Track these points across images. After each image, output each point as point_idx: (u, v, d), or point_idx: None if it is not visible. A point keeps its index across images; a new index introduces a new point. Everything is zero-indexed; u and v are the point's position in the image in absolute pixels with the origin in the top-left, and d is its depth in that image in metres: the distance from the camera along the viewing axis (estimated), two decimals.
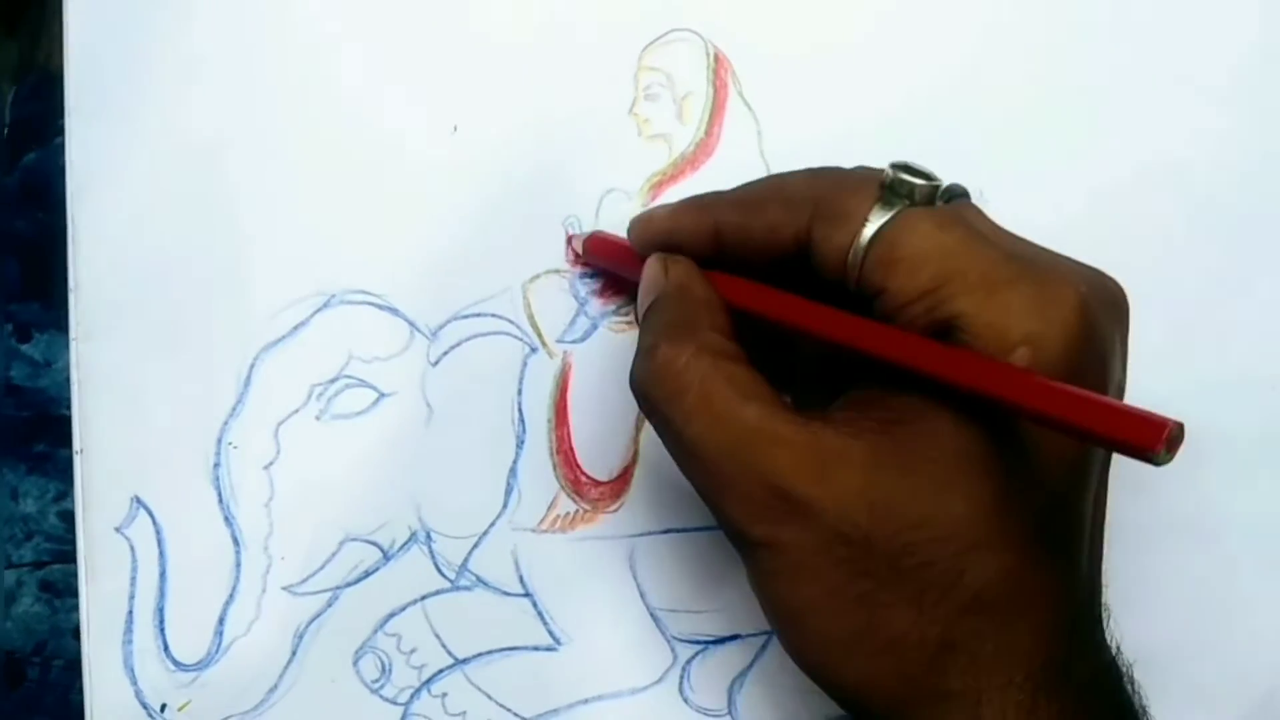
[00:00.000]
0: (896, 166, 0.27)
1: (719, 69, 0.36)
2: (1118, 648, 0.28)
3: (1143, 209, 0.37)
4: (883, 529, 0.25)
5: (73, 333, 0.36)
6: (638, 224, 0.32)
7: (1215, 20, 0.37)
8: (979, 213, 0.28)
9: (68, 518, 0.39)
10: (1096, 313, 0.26)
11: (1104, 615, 0.28)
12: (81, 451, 0.35)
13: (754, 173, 0.35)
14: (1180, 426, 0.21)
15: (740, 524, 0.27)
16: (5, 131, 0.43)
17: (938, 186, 0.27)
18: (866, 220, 0.27)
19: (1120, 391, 0.28)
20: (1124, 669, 0.28)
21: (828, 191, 0.28)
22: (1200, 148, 0.37)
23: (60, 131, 0.40)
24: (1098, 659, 0.27)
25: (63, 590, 0.39)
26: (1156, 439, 0.20)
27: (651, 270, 0.31)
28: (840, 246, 0.27)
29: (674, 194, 0.36)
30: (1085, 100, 0.37)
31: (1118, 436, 0.21)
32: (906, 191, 0.27)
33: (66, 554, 0.39)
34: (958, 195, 0.28)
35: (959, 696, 0.25)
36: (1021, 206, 0.31)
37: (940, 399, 0.25)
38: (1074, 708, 0.26)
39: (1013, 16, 0.37)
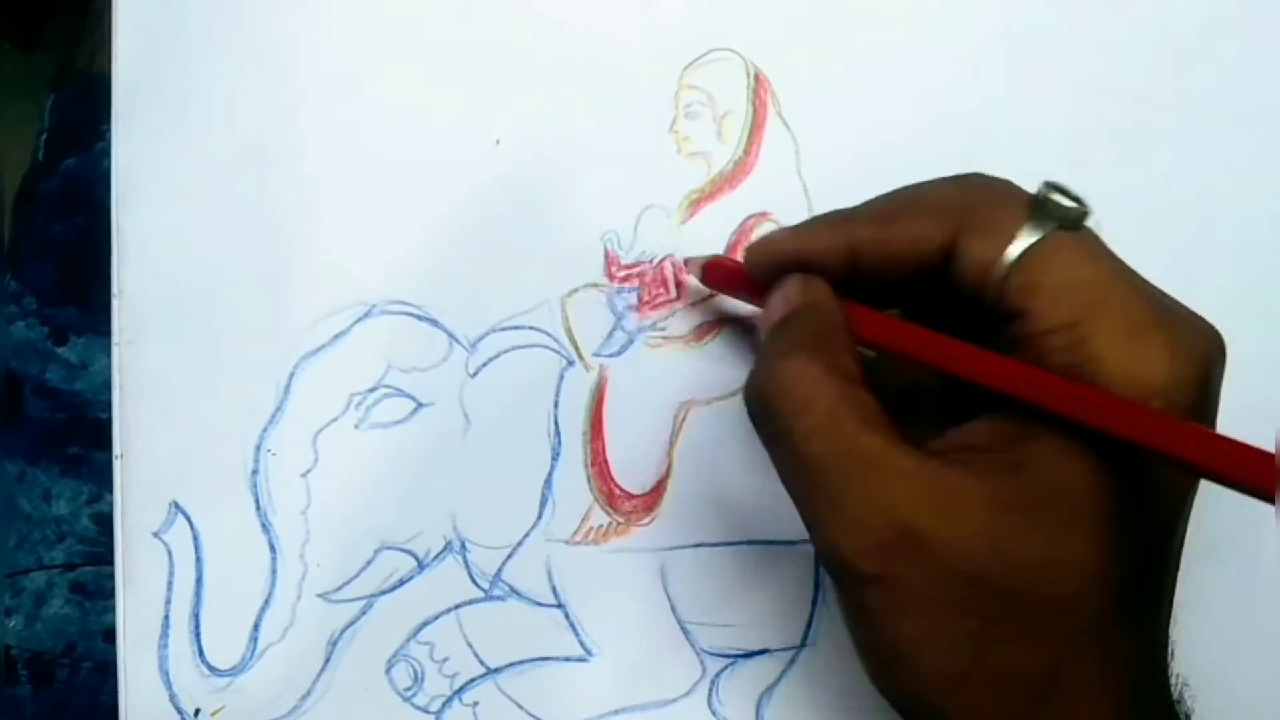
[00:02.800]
0: (1050, 185, 0.27)
1: (759, 89, 0.37)
2: (1183, 684, 0.29)
3: (1179, 224, 0.37)
4: (1000, 568, 0.25)
5: (115, 337, 0.36)
6: (758, 249, 0.31)
7: (1256, 44, 0.37)
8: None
9: (100, 520, 0.39)
10: (1213, 367, 0.26)
11: (1170, 650, 0.28)
12: (121, 456, 0.36)
13: (792, 192, 0.37)
14: None
15: (850, 555, 0.26)
16: (45, 136, 0.43)
17: (1087, 212, 0.27)
18: (1015, 236, 0.27)
19: None
20: (1188, 710, 0.28)
21: (978, 201, 0.28)
22: (1231, 170, 0.37)
23: (101, 137, 0.41)
24: (1168, 695, 0.28)
25: (94, 592, 0.39)
26: None
27: (790, 287, 0.30)
28: (986, 260, 0.27)
29: (712, 212, 0.37)
30: (1123, 119, 0.37)
31: (1259, 483, 0.22)
32: (1059, 213, 0.27)
33: (98, 556, 0.39)
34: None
35: None
36: None
37: (1069, 442, 0.25)
38: None
39: (1052, 40, 0.37)
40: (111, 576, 0.38)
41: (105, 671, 0.39)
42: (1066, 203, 0.27)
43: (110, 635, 0.38)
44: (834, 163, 0.37)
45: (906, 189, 0.30)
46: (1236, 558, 0.36)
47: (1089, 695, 0.25)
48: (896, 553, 0.25)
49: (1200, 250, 0.37)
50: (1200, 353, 0.26)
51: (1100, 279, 0.26)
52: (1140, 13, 0.38)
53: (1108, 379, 0.25)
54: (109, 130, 0.40)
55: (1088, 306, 0.26)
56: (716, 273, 0.34)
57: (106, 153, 0.40)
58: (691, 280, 0.36)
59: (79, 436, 0.40)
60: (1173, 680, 0.28)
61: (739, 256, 0.36)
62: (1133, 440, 0.24)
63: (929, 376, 0.31)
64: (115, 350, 0.36)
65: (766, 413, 0.27)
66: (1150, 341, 0.25)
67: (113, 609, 0.38)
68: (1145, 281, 0.27)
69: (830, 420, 0.26)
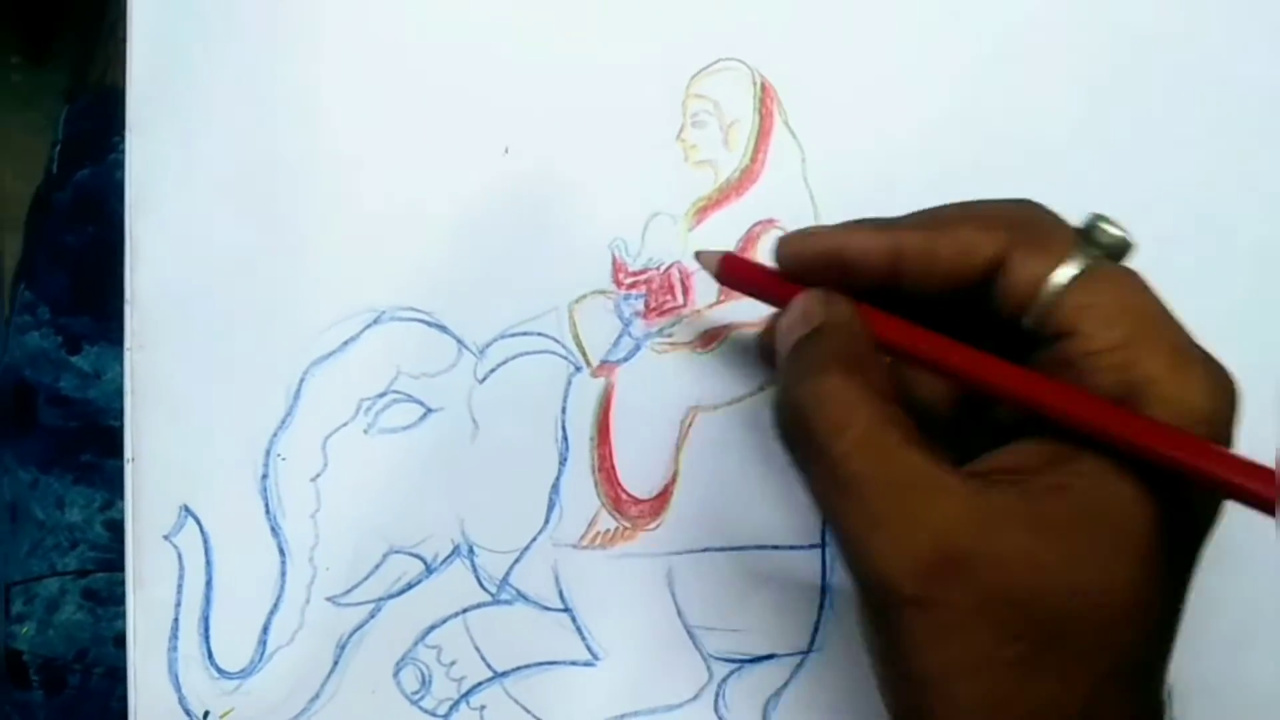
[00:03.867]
0: (1097, 216, 0.28)
1: (765, 98, 0.37)
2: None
3: (1184, 230, 0.37)
4: (1046, 593, 0.24)
5: (127, 343, 0.36)
6: (794, 240, 0.31)
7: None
8: None
9: (113, 527, 0.39)
10: (1236, 408, 0.26)
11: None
12: (133, 460, 0.36)
13: (798, 200, 0.37)
14: None
15: (891, 575, 0.25)
16: (58, 148, 0.44)
17: (1130, 246, 0.28)
18: (1068, 258, 0.27)
19: None
20: None
21: (1029, 218, 0.28)
22: (1241, 171, 0.38)
23: (114, 148, 0.41)
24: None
25: (105, 599, 0.40)
26: None
27: (812, 302, 0.29)
28: (1035, 277, 0.27)
29: (718, 219, 0.37)
30: (1130, 126, 0.38)
31: None
32: (1107, 242, 0.27)
33: (110, 563, 0.39)
34: None
35: None
36: None
37: (1112, 465, 0.25)
38: None
39: (1059, 47, 0.38)
40: (123, 583, 0.38)
41: (116, 677, 0.39)
42: (1115, 232, 0.27)
43: (121, 641, 0.39)
44: (840, 170, 0.37)
45: (953, 204, 0.29)
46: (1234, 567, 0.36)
47: None
48: (939, 574, 0.24)
49: (1208, 255, 0.37)
50: (1231, 388, 0.26)
51: (1150, 308, 0.27)
52: (1144, 15, 0.38)
53: (1156, 401, 0.25)
54: (122, 142, 0.41)
55: (1140, 331, 0.26)
56: (733, 267, 0.33)
57: (119, 164, 0.41)
58: (698, 287, 0.37)
59: (92, 444, 0.40)
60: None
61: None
62: (1180, 465, 0.24)
63: (938, 397, 0.31)
64: (127, 356, 0.36)
65: (802, 432, 0.27)
66: (1195, 371, 0.26)
67: (124, 615, 0.38)
68: (1180, 322, 0.27)
69: (870, 438, 0.26)
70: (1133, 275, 0.27)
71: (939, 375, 0.29)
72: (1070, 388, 0.26)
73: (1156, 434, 0.25)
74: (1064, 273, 0.27)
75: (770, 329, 0.34)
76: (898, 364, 0.29)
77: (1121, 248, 0.28)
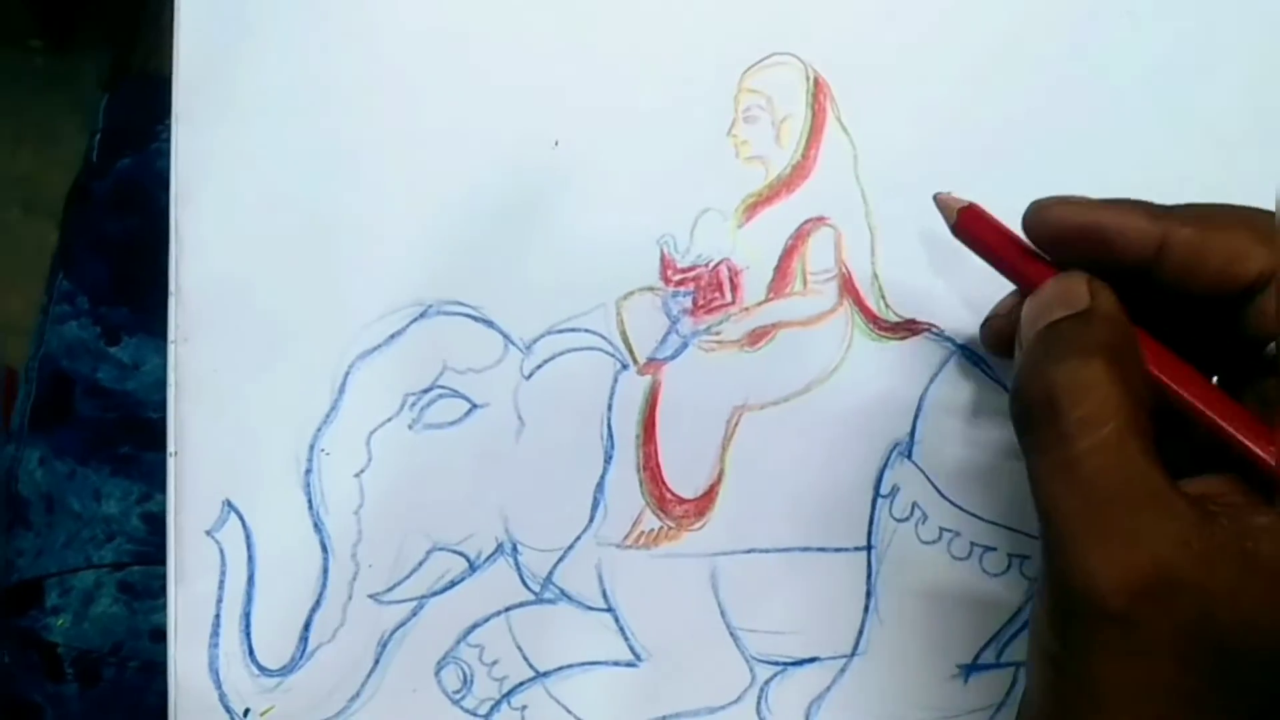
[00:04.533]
0: None
1: (818, 93, 0.37)
2: None
3: None
4: (1237, 630, 0.24)
5: (171, 335, 0.36)
6: (1054, 207, 0.29)
7: None
8: None
9: (150, 520, 0.39)
10: None
11: None
12: (175, 454, 0.36)
13: (850, 198, 0.36)
14: None
15: (1100, 585, 0.24)
16: (98, 137, 0.43)
17: None
18: None
19: None
20: None
21: None
22: None
23: (155, 137, 0.41)
24: None
25: (141, 592, 0.39)
26: None
27: (1074, 285, 0.28)
28: None
29: (769, 216, 0.37)
30: (1194, 122, 0.37)
31: None
32: None
33: (147, 555, 0.39)
34: None
35: None
36: None
37: None
38: None
39: (1120, 47, 0.37)
40: (160, 576, 0.38)
41: (152, 671, 0.39)
42: None
43: (157, 635, 0.39)
44: (893, 167, 0.36)
45: (1236, 205, 0.28)
46: None
47: None
48: (1150, 596, 0.24)
49: None
50: None
51: None
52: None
53: None
54: (164, 131, 0.41)
55: None
56: (972, 222, 0.31)
57: (161, 153, 0.41)
58: (747, 285, 0.36)
59: (130, 436, 0.40)
60: None
61: (794, 263, 0.36)
62: None
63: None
64: (171, 348, 0.36)
65: (1046, 415, 0.26)
66: None
67: (160, 609, 0.38)
68: None
69: (1121, 439, 0.25)
70: None
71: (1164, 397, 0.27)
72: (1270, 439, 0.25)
73: None
74: None
75: (1003, 313, 0.33)
76: None
77: None
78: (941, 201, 0.32)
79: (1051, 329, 0.27)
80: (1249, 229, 0.27)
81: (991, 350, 0.34)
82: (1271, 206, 0.27)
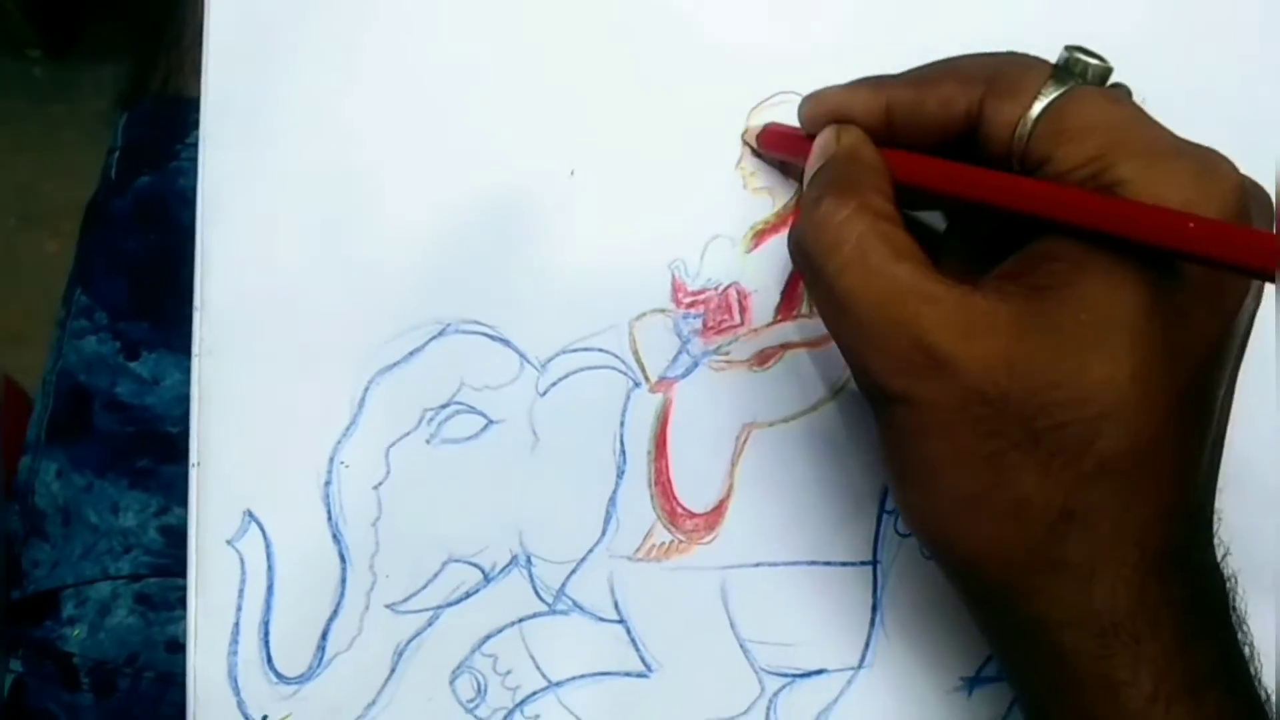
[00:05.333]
0: (1071, 48, 0.28)
1: None
2: (1226, 551, 0.29)
3: None
4: (1021, 389, 0.25)
5: (195, 349, 0.37)
6: (809, 102, 0.33)
7: None
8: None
9: (167, 532, 0.40)
10: (1251, 200, 0.26)
11: (1215, 517, 0.29)
12: (198, 465, 0.36)
13: None
14: None
15: (881, 377, 0.27)
16: (116, 155, 0.44)
17: (1110, 70, 0.28)
18: (1038, 95, 0.28)
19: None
20: (1229, 574, 0.28)
21: (1002, 67, 0.29)
22: None
23: (175, 156, 0.42)
24: (1206, 556, 0.28)
25: (158, 603, 0.40)
26: None
27: (824, 136, 0.32)
28: (1010, 120, 0.28)
29: (775, 243, 0.38)
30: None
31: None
32: (1080, 70, 0.28)
33: (164, 568, 0.40)
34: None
35: (1073, 568, 0.26)
36: None
37: (1091, 258, 0.25)
38: (1180, 597, 0.26)
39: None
40: (176, 588, 0.39)
41: (167, 682, 0.39)
42: (1090, 61, 0.28)
43: (173, 646, 0.39)
44: None
45: (943, 59, 0.31)
46: None
47: (1108, 536, 0.26)
48: (922, 374, 0.26)
49: None
50: (1231, 180, 0.26)
51: (1121, 118, 0.27)
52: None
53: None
54: (184, 150, 0.42)
55: (1110, 143, 0.26)
56: (772, 139, 0.36)
57: (181, 171, 0.42)
58: (755, 307, 0.38)
59: (148, 450, 0.41)
60: (1216, 544, 0.28)
61: (800, 287, 0.38)
62: (1155, 243, 0.24)
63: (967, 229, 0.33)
64: (195, 361, 0.37)
65: (803, 257, 0.29)
66: (1173, 165, 0.26)
67: (176, 620, 0.39)
68: (1166, 128, 0.27)
69: (859, 254, 0.27)
70: (1108, 93, 0.28)
71: (930, 195, 0.30)
72: (1033, 182, 0.27)
73: (1127, 214, 0.25)
74: (1037, 107, 0.28)
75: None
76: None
77: (1102, 75, 0.28)
78: (748, 135, 0.37)
79: (806, 184, 0.32)
80: (952, 77, 0.30)
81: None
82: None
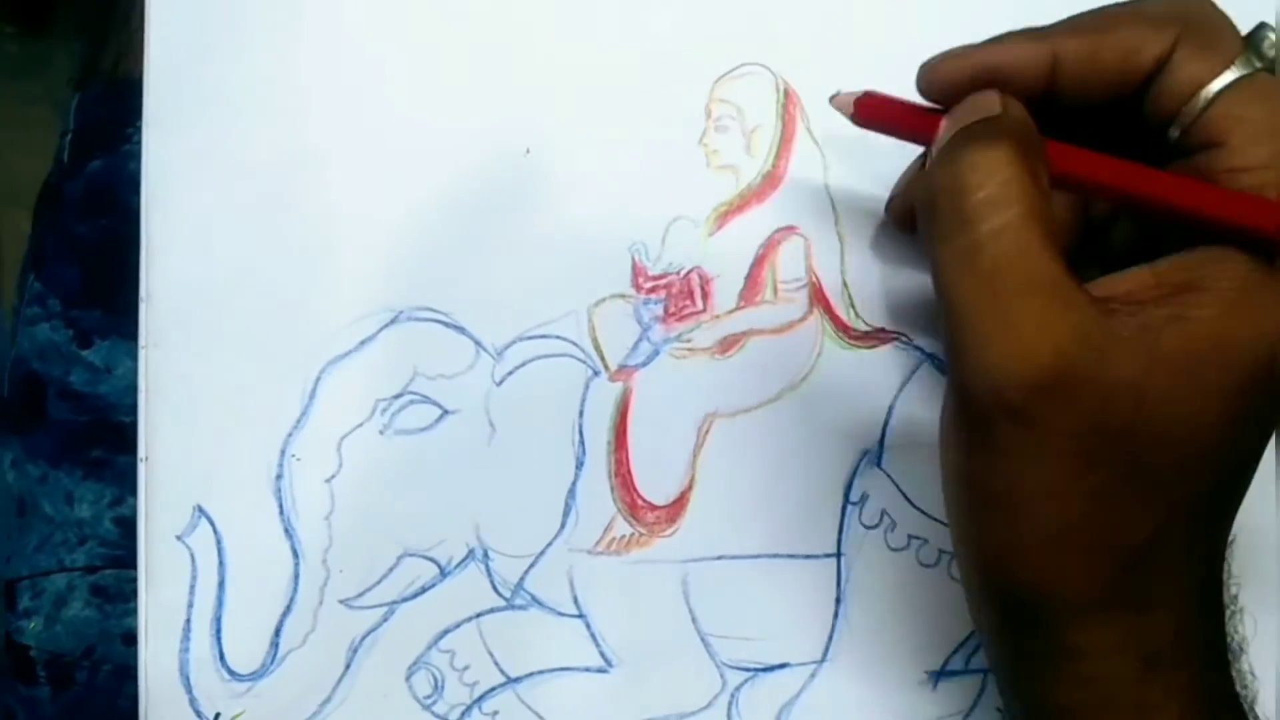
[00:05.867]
0: (1264, 25, 0.26)
1: (788, 104, 0.37)
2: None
3: None
4: (1145, 425, 0.24)
5: (141, 341, 0.36)
6: (943, 64, 0.28)
7: None
8: None
9: (123, 523, 0.39)
10: None
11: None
12: (146, 459, 0.36)
13: (820, 206, 0.37)
14: None
15: (999, 377, 0.24)
16: (69, 137, 0.43)
17: None
18: (1231, 63, 0.25)
19: None
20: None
21: (1199, 17, 0.26)
22: None
23: (127, 139, 0.41)
24: (1223, 589, 0.28)
25: (114, 595, 0.39)
26: None
27: (986, 98, 0.27)
28: (1196, 79, 0.25)
29: (740, 224, 0.37)
30: None
31: None
32: (1270, 53, 0.26)
33: (120, 559, 0.39)
34: None
35: (1137, 601, 0.25)
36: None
37: (1248, 304, 0.24)
38: (1215, 626, 0.26)
39: None
40: (132, 580, 0.38)
41: (124, 675, 0.39)
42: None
43: (129, 639, 0.38)
44: (862, 179, 0.36)
45: (1119, 3, 0.28)
46: None
47: (1177, 569, 0.25)
48: (1049, 393, 0.24)
49: None
50: None
51: None
52: None
53: None
54: (135, 133, 0.40)
55: None
56: (871, 107, 0.30)
57: (133, 155, 0.40)
58: (718, 293, 0.37)
59: (103, 440, 0.40)
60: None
61: (765, 272, 0.37)
62: None
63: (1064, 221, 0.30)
64: (142, 353, 0.36)
65: (953, 197, 0.25)
66: None
67: (133, 612, 0.38)
68: None
69: (1024, 225, 0.24)
70: None
71: (1081, 190, 0.27)
72: (1208, 186, 0.25)
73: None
74: (1223, 79, 0.25)
75: (910, 179, 0.33)
76: None
77: None
78: (839, 103, 0.31)
79: (962, 131, 0.27)
80: (1139, 19, 0.27)
81: (898, 226, 0.34)
82: None
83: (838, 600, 0.37)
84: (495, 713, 0.36)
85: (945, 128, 0.27)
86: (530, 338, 0.36)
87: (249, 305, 0.36)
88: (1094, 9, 0.28)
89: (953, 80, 0.28)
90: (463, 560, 0.36)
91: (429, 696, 0.36)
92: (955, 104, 0.28)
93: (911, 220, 0.31)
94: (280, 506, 0.36)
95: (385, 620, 0.36)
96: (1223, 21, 0.26)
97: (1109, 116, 0.28)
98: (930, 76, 0.29)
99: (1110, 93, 0.27)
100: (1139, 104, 0.27)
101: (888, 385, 0.37)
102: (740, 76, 0.37)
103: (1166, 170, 0.27)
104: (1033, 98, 0.27)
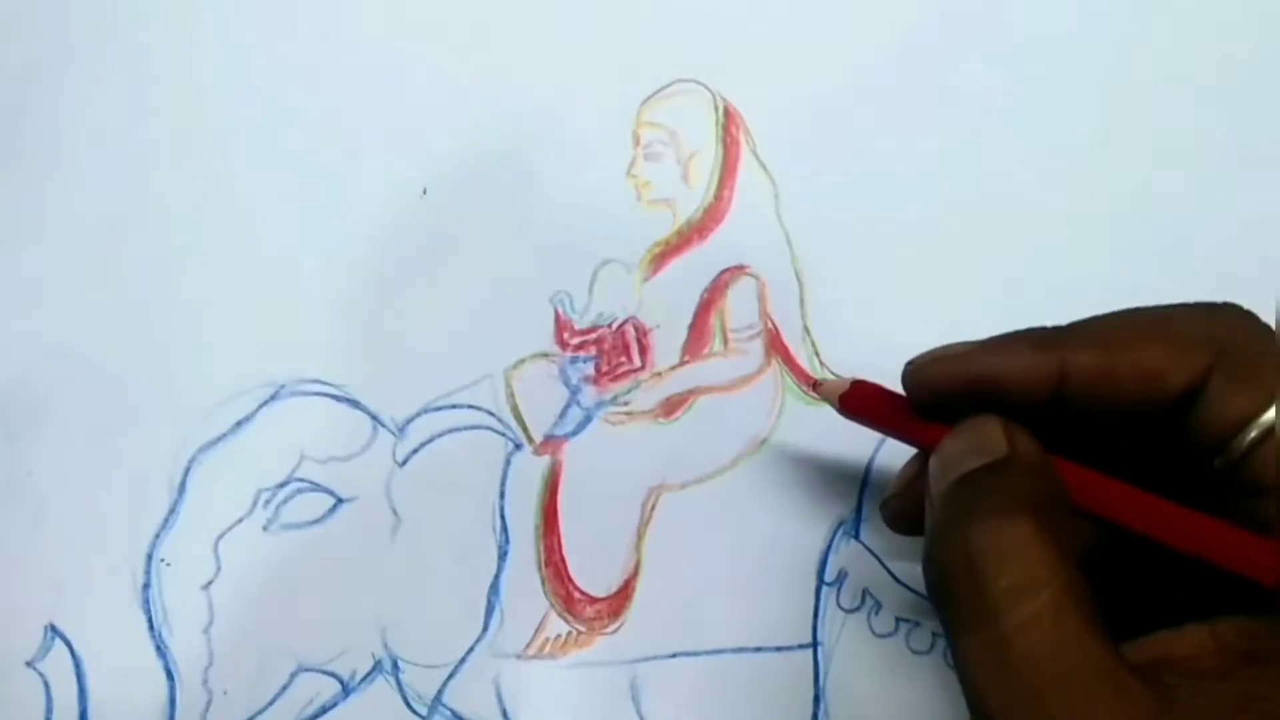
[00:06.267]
0: None
1: (729, 124, 0.36)
2: None
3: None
4: None
5: None
6: (931, 365, 0.27)
7: None
8: None
9: None
10: None
11: None
12: None
13: (771, 241, 0.35)
14: None
15: None
16: None
17: None
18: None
19: None
20: None
21: (1238, 339, 0.25)
22: None
23: None
24: None
25: None
26: None
27: (989, 431, 0.26)
28: (1240, 415, 0.24)
29: (680, 266, 0.35)
30: (1128, 145, 0.36)
31: None
32: None
33: None
34: None
35: None
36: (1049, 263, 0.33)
37: None
38: None
39: (1044, 78, 0.36)
40: None
41: None
42: None
43: None
44: (820, 207, 0.35)
45: (1131, 311, 0.27)
46: None
47: None
48: None
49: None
50: None
51: None
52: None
53: None
54: None
55: None
56: (863, 400, 0.30)
57: None
58: (658, 346, 0.34)
59: None
60: None
61: (711, 319, 0.35)
62: None
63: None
64: None
65: (970, 583, 0.24)
66: None
67: None
68: None
69: (1058, 611, 0.23)
70: None
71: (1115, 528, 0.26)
72: (1256, 540, 0.24)
73: None
74: (1270, 415, 0.24)
75: (903, 489, 0.31)
76: None
77: None
78: (824, 392, 0.31)
79: (965, 481, 0.25)
80: (1160, 341, 0.26)
81: (898, 531, 0.32)
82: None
83: (816, 699, 0.34)
84: None
85: (941, 464, 0.27)
86: (437, 409, 0.34)
87: (104, 386, 0.34)
88: (1114, 315, 0.27)
89: (943, 389, 0.27)
90: (369, 674, 0.33)
91: None
92: (946, 408, 0.27)
93: (913, 524, 0.30)
94: (149, 620, 0.33)
95: None
96: (1264, 345, 0.25)
97: (1140, 428, 0.26)
98: (918, 379, 0.28)
99: (1128, 411, 0.26)
100: (1173, 427, 0.26)
101: (862, 444, 0.34)
102: (671, 96, 0.36)
103: (1209, 493, 0.25)
104: (1041, 411, 0.27)
